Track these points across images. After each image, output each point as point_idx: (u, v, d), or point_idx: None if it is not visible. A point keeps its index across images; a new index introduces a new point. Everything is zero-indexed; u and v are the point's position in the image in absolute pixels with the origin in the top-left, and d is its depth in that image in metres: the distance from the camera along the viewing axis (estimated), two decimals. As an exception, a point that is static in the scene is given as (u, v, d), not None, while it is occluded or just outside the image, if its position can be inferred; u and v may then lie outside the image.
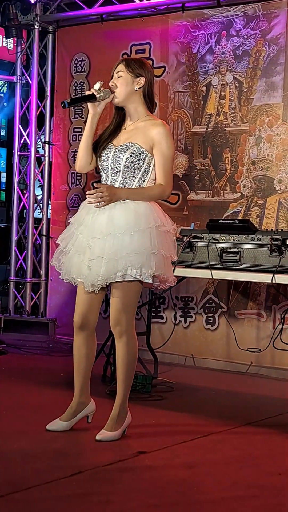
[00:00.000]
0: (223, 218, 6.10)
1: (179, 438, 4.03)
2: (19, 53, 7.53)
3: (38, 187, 7.70)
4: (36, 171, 7.52)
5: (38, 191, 7.71)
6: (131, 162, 3.87)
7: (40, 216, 7.62)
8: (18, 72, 7.57)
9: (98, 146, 3.99)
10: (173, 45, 6.58)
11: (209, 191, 6.38)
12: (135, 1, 6.67)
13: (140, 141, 3.89)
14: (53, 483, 3.24)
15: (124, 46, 6.84)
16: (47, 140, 7.51)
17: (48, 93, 7.49)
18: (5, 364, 6.02)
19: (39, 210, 7.62)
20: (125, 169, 3.89)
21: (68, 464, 3.53)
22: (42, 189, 7.62)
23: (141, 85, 3.96)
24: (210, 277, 5.13)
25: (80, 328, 4.02)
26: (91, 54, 7.10)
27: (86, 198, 3.97)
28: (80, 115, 7.19)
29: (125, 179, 3.90)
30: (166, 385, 5.34)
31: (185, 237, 5.24)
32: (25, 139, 7.53)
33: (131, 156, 3.87)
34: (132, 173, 3.89)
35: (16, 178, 7.57)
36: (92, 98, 3.90)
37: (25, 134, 7.52)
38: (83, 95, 3.93)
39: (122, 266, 3.78)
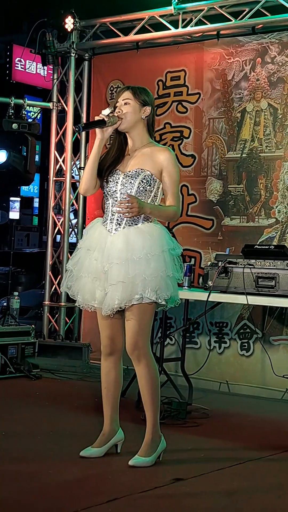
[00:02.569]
0: (258, 243, 6.08)
1: (216, 465, 4.00)
2: (55, 80, 7.63)
3: (71, 212, 7.75)
4: (71, 196, 7.57)
5: (72, 216, 7.76)
6: (143, 187, 3.95)
7: (75, 241, 7.65)
8: (54, 99, 7.66)
9: (102, 172, 4.04)
10: (208, 72, 6.62)
11: (243, 217, 6.37)
12: (170, 29, 6.73)
13: (149, 167, 3.97)
14: (89, 510, 3.23)
15: (159, 73, 6.89)
16: (82, 165, 7.57)
17: (84, 119, 7.56)
18: (39, 388, 6.03)
19: (73, 235, 7.67)
20: (137, 194, 3.95)
21: (103, 491, 3.52)
22: (77, 214, 7.67)
23: (147, 114, 4.04)
24: (246, 302, 5.11)
25: (109, 352, 4.08)
26: (126, 81, 7.14)
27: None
28: (115, 141, 7.22)
29: None
30: (201, 412, 5.31)
31: (220, 262, 5.23)
32: (60, 164, 7.60)
33: (142, 181, 3.95)
34: (144, 197, 3.96)
35: (51, 203, 7.63)
36: (102, 123, 3.96)
37: (60, 160, 7.59)
38: (94, 120, 3.98)
39: (141, 289, 3.84)
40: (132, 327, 3.93)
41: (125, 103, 4.01)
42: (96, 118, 3.98)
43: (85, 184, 4.07)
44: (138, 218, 3.94)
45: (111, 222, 3.97)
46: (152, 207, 3.95)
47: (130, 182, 3.96)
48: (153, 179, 3.96)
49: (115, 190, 3.99)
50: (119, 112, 3.99)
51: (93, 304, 3.97)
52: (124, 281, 3.84)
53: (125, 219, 3.94)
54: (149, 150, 4.02)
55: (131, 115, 4.00)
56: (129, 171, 3.98)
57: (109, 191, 4.01)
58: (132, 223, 3.94)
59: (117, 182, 3.99)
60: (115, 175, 4.01)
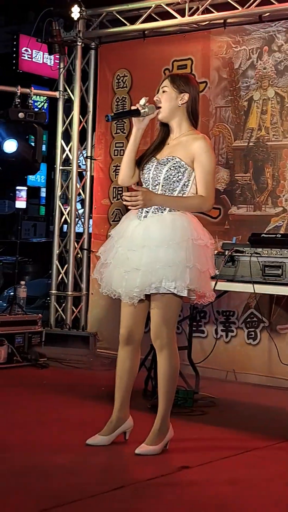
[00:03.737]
0: (264, 232, 6.06)
1: (221, 453, 4.01)
2: (61, 69, 7.61)
3: (78, 201, 7.75)
4: (78, 186, 7.57)
5: (78, 206, 7.77)
6: (171, 174, 3.90)
7: (81, 230, 7.67)
8: (61, 88, 7.65)
9: (142, 160, 4.03)
10: (215, 61, 6.60)
11: (250, 206, 6.36)
12: (177, 18, 6.70)
13: (180, 155, 3.92)
14: (95, 498, 3.24)
15: (166, 62, 6.87)
16: (89, 155, 7.57)
17: (90, 108, 7.55)
18: (46, 378, 6.05)
19: (80, 224, 7.67)
20: (165, 181, 3.91)
21: (110, 479, 3.53)
22: (83, 204, 7.67)
23: (185, 101, 3.99)
24: (252, 291, 5.10)
25: (126, 341, 4.02)
26: (133, 69, 7.15)
27: (128, 211, 4.01)
28: (122, 130, 7.22)
29: (165, 192, 3.92)
30: (208, 400, 5.32)
31: (227, 251, 5.22)
32: (67, 154, 7.60)
33: (170, 169, 3.90)
34: (172, 185, 3.91)
35: (58, 193, 7.63)
36: (136, 113, 3.95)
37: (67, 149, 7.58)
38: (128, 110, 3.97)
39: (156, 279, 3.79)
40: (157, 317, 3.90)
41: (163, 91, 4.00)
42: (132, 108, 3.98)
43: (121, 174, 4.07)
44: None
45: (140, 210, 3.93)
46: (164, 198, 3.88)
47: (159, 170, 3.93)
48: (183, 166, 3.89)
49: (147, 178, 3.97)
50: (157, 100, 3.99)
51: (118, 291, 3.94)
52: (138, 268, 3.80)
53: (152, 207, 3.91)
54: (185, 139, 3.97)
55: (167, 103, 3.97)
56: (162, 159, 3.95)
57: (143, 178, 4.00)
58: (157, 211, 3.89)
59: (150, 170, 3.97)
60: (150, 162, 3.99)
